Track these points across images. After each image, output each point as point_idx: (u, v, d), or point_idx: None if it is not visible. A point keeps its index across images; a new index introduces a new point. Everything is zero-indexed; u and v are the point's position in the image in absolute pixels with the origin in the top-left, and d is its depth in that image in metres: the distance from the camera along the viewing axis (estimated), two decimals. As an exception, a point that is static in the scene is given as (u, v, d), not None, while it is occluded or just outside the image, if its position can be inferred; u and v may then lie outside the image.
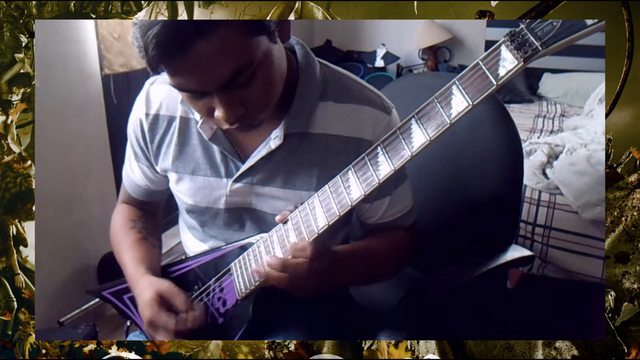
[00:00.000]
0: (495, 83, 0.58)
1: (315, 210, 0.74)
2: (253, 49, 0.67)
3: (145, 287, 0.88)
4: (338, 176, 0.73)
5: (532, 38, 0.55)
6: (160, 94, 0.90)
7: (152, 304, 0.84)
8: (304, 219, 0.76)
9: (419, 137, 0.65)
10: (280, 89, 0.77)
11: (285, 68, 0.78)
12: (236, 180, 0.87)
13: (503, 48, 0.58)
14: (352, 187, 0.71)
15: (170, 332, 0.83)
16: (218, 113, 0.71)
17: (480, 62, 0.59)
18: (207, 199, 0.90)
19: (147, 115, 0.90)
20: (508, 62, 0.57)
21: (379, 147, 0.69)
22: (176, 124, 0.89)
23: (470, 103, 0.60)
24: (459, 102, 0.61)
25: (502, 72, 0.58)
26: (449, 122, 0.62)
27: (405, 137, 0.66)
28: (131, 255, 0.95)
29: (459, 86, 0.61)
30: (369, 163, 0.70)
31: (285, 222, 0.79)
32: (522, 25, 0.56)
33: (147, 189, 1.01)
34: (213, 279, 0.89)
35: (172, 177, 0.92)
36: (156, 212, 1.09)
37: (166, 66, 0.65)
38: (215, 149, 0.87)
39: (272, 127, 0.83)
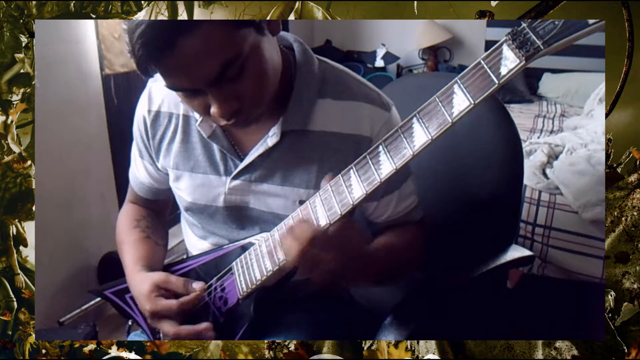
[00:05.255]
0: (497, 82, 0.58)
1: (317, 209, 0.74)
2: (239, 41, 0.67)
3: (139, 282, 0.89)
4: (339, 175, 0.73)
5: (533, 37, 0.55)
6: (162, 91, 0.91)
7: (149, 295, 0.86)
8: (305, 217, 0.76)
9: (421, 136, 0.65)
10: (275, 83, 0.77)
11: (279, 62, 0.78)
12: (235, 178, 0.87)
13: (505, 47, 0.58)
14: (353, 187, 0.71)
15: (175, 315, 0.84)
16: (213, 109, 0.71)
17: (482, 61, 0.59)
18: (206, 196, 0.90)
19: (149, 111, 0.91)
20: (510, 61, 0.57)
21: (380, 146, 0.69)
22: (177, 122, 0.90)
23: (472, 102, 0.60)
24: (461, 101, 0.61)
25: (503, 71, 0.58)
26: (450, 121, 0.62)
27: (406, 136, 0.66)
28: (131, 254, 0.96)
29: (461, 85, 0.61)
30: (370, 162, 0.70)
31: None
32: (523, 24, 0.56)
33: (152, 187, 1.01)
34: (214, 278, 0.89)
35: (172, 174, 0.93)
36: (162, 211, 1.09)
37: (155, 66, 0.66)
38: (215, 147, 0.87)
39: (270, 125, 0.83)
